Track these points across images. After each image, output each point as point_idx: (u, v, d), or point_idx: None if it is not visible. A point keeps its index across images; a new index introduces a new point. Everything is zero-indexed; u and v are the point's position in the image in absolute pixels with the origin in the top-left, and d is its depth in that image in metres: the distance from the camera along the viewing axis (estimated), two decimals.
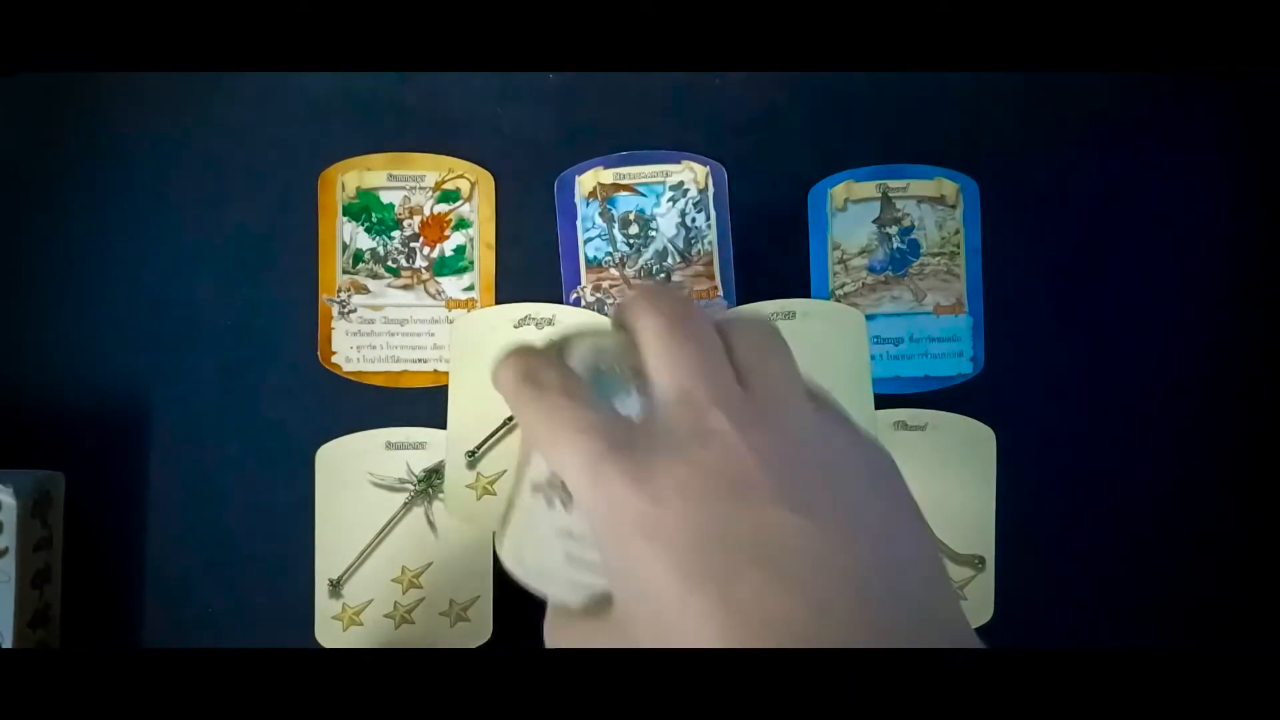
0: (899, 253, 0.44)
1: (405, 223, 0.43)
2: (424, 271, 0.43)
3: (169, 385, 0.43)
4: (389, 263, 0.43)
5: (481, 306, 0.43)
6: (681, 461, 0.25)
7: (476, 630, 0.43)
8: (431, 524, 0.43)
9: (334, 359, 0.43)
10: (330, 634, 0.42)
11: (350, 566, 0.42)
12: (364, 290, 0.43)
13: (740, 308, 0.35)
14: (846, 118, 0.44)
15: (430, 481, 0.43)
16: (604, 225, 0.43)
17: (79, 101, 0.43)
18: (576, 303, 0.42)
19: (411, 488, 0.43)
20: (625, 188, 0.42)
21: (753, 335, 0.28)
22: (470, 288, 0.43)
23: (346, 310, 0.43)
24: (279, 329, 0.43)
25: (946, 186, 0.44)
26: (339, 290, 0.43)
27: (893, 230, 0.44)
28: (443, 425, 0.43)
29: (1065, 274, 0.44)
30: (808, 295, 0.44)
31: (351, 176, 0.43)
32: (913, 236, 0.44)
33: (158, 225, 0.43)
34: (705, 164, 0.43)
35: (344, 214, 0.43)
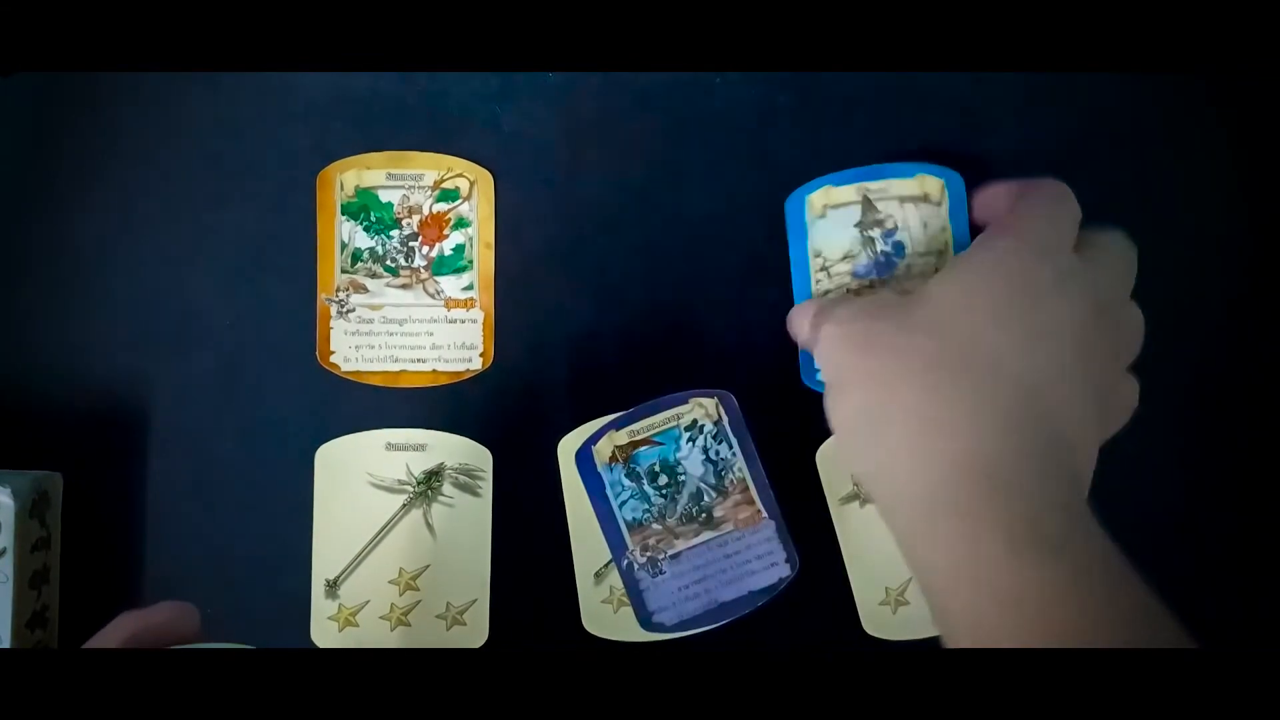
0: (884, 255, 0.43)
1: (404, 222, 0.43)
2: (423, 271, 0.43)
3: (167, 385, 0.43)
4: (388, 262, 0.43)
5: (480, 306, 0.43)
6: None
7: (472, 634, 0.43)
8: (430, 526, 0.43)
9: (332, 358, 0.43)
10: (326, 635, 0.42)
11: (348, 567, 0.42)
12: (362, 289, 0.43)
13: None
14: (846, 118, 0.44)
15: (430, 484, 0.43)
16: (634, 485, 0.42)
17: (79, 101, 0.43)
18: (629, 568, 0.42)
19: (411, 489, 0.43)
20: (643, 443, 0.42)
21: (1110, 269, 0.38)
22: (469, 287, 0.43)
23: (345, 310, 0.43)
24: (277, 328, 0.43)
25: (929, 183, 0.43)
26: (337, 290, 0.43)
27: (875, 233, 0.43)
28: (441, 426, 0.43)
29: None
30: (791, 303, 0.43)
31: (350, 175, 0.43)
32: (897, 238, 0.43)
33: (156, 225, 0.43)
34: (712, 395, 0.42)
35: (342, 213, 0.43)
